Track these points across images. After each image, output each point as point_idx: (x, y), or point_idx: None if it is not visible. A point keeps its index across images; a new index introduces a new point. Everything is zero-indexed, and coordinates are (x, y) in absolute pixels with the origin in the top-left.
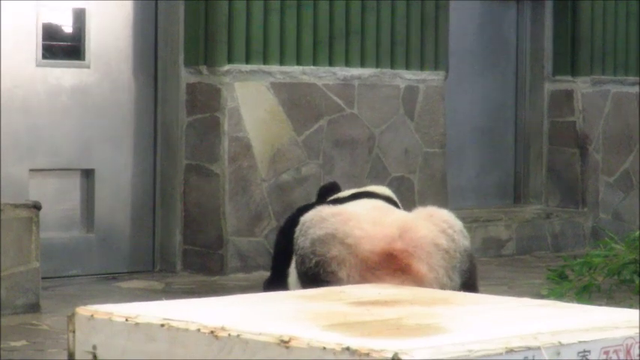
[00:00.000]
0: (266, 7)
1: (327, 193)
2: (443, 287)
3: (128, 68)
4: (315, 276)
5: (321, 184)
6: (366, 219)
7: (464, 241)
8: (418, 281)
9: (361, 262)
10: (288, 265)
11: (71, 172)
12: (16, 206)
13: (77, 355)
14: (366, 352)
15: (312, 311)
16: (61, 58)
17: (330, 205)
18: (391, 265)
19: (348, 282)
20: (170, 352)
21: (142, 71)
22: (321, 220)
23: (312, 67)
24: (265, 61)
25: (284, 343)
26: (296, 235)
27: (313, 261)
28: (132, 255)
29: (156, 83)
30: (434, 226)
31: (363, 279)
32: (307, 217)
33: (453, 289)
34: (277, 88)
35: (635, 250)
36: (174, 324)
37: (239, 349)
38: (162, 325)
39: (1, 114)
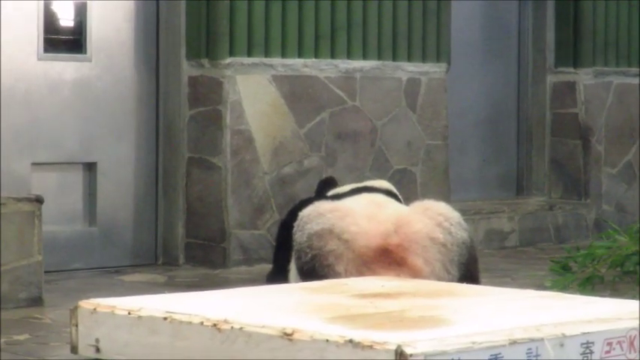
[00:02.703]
0: None
1: (325, 188)
2: (440, 280)
3: (130, 61)
4: (312, 270)
5: (324, 176)
6: (361, 215)
7: (462, 233)
8: (414, 275)
9: (357, 257)
10: (289, 257)
11: (73, 165)
12: (19, 200)
13: (80, 349)
14: (369, 344)
15: (315, 304)
16: (63, 52)
17: (328, 201)
18: (387, 259)
19: (346, 276)
20: (173, 345)
21: (143, 64)
22: (318, 215)
23: (313, 59)
24: (267, 54)
25: (287, 336)
26: (294, 230)
27: (309, 255)
28: (134, 248)
29: (157, 76)
30: (429, 219)
31: (359, 274)
32: (305, 213)
33: (451, 282)
34: (279, 80)
35: (638, 241)
36: (176, 317)
37: (242, 341)
38: (165, 319)
39: (3, 108)
